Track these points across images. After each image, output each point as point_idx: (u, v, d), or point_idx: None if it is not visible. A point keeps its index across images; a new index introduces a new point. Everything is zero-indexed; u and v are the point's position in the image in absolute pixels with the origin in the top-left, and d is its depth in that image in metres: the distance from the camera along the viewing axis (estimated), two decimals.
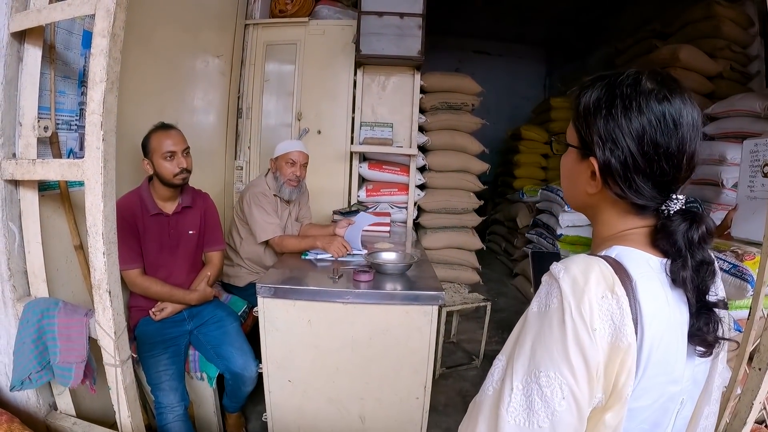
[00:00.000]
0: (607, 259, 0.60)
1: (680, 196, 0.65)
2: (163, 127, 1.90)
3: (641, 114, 0.61)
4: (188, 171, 1.92)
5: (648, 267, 0.62)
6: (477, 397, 0.64)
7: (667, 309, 0.60)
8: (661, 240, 0.64)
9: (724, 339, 0.64)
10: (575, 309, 0.55)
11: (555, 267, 0.60)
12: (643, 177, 0.63)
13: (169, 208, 1.95)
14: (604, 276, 0.57)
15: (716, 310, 0.63)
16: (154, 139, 1.85)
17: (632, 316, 0.56)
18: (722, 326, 0.64)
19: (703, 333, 0.62)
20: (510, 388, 0.57)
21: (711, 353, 0.64)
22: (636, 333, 0.56)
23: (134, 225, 1.84)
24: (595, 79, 0.68)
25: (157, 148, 1.84)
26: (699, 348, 0.63)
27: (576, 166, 0.71)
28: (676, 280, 0.61)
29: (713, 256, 0.64)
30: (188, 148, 1.92)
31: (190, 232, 2.01)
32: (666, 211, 0.65)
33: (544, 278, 0.62)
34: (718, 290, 0.67)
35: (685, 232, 0.62)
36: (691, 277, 0.61)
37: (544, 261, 0.99)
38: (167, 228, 1.94)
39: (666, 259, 0.63)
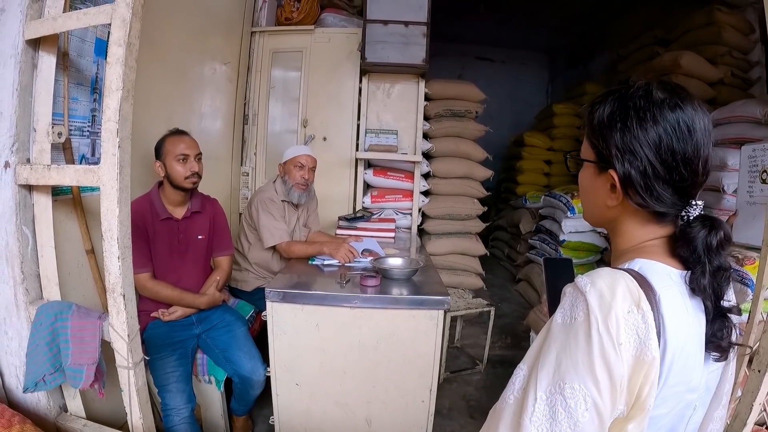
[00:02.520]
0: (631, 272, 0.61)
1: (699, 202, 0.66)
2: (178, 132, 1.98)
3: (656, 123, 0.64)
4: (199, 176, 1.96)
5: (669, 279, 0.63)
6: (497, 404, 0.65)
7: (687, 320, 0.62)
8: (680, 247, 0.65)
9: (737, 344, 0.66)
10: (602, 323, 0.56)
11: (581, 280, 0.61)
12: (664, 184, 0.65)
13: (179, 213, 1.98)
14: (630, 291, 0.58)
15: (730, 315, 0.65)
16: (169, 142, 1.91)
17: (656, 330, 0.57)
18: (735, 331, 0.66)
19: (717, 339, 0.64)
20: (534, 397, 0.58)
21: (726, 357, 0.66)
22: (659, 346, 0.58)
23: (144, 229, 1.86)
24: (605, 95, 0.70)
25: (171, 150, 1.89)
26: (714, 353, 0.64)
27: (594, 180, 0.73)
28: (695, 290, 0.63)
29: (729, 263, 0.66)
30: (201, 154, 1.97)
31: (199, 236, 2.04)
32: (686, 217, 0.66)
33: (569, 290, 0.63)
34: (730, 296, 0.69)
35: (705, 238, 0.63)
36: (709, 283, 0.62)
37: (557, 267, 1.00)
38: (177, 233, 1.96)
39: (685, 271, 0.65)
